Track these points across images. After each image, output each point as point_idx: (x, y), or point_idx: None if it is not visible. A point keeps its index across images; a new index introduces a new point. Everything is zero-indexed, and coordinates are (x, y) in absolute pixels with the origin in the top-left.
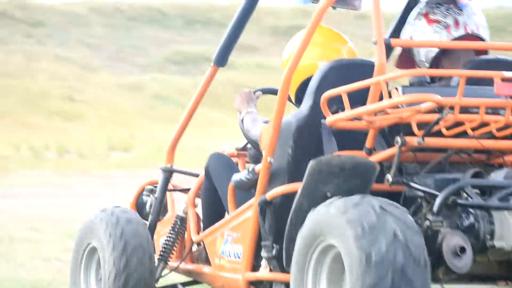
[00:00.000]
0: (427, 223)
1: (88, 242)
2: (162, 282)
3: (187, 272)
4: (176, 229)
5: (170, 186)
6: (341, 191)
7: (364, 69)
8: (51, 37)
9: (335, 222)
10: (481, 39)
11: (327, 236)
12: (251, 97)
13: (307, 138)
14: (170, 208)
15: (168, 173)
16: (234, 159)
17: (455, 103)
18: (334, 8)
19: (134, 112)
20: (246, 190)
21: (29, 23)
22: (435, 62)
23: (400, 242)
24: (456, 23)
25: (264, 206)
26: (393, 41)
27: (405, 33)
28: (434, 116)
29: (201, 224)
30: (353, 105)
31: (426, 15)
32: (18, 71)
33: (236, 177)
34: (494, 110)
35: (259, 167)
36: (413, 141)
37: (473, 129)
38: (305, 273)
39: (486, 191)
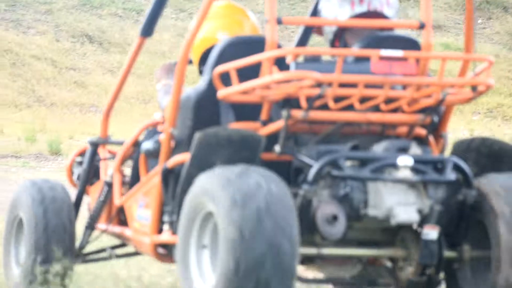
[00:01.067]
0: (301, 192)
1: (17, 213)
2: (92, 247)
3: (115, 235)
4: (103, 195)
5: (106, 154)
6: (231, 162)
7: (260, 45)
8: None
9: (213, 190)
10: (384, 17)
11: (206, 203)
12: (171, 69)
13: (206, 111)
14: (101, 175)
15: (95, 146)
16: None
17: (333, 80)
18: None
19: None
20: (154, 158)
21: None
22: (339, 34)
23: (271, 217)
24: None
25: (166, 173)
26: (284, 19)
27: (319, 3)
28: (318, 91)
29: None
30: (252, 79)
31: None
32: (169, 50)
33: (145, 145)
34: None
35: (163, 137)
36: (298, 114)
37: (361, 103)
38: (190, 237)
39: (366, 162)
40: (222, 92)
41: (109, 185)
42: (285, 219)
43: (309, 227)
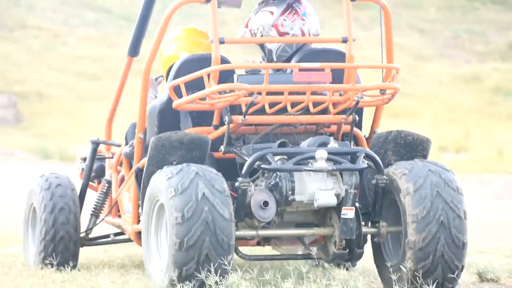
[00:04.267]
0: (236, 183)
1: (31, 202)
2: (97, 232)
3: (113, 225)
4: (104, 190)
5: (109, 154)
6: (185, 160)
7: (210, 62)
8: (377, 21)
9: (162, 186)
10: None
11: (159, 197)
12: (152, 83)
13: (168, 118)
14: (106, 173)
15: (95, 144)
16: None
17: (262, 89)
18: (219, 6)
19: (471, 108)
20: (131, 160)
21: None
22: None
23: (207, 200)
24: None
25: (139, 172)
26: (226, 39)
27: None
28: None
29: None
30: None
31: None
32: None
33: (124, 149)
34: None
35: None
36: (238, 119)
37: (293, 107)
38: (149, 226)
39: (290, 156)
40: (175, 103)
41: (109, 182)
42: (220, 201)
43: (247, 213)
